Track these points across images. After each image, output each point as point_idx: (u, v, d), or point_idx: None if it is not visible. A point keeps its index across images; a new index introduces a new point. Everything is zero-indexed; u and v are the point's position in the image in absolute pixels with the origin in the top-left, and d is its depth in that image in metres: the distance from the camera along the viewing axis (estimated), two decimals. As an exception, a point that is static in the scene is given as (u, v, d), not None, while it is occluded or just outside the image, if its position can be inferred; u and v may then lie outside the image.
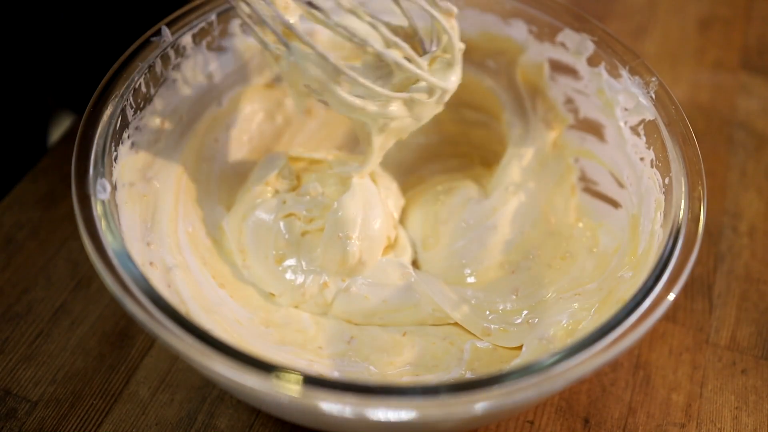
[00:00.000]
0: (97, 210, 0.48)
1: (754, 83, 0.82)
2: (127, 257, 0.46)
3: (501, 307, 0.58)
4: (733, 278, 0.65)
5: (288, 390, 0.41)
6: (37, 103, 0.80)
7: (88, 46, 0.80)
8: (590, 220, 0.62)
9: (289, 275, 0.58)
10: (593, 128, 0.63)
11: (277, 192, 0.61)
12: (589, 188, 0.64)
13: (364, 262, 0.58)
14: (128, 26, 0.64)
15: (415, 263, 0.62)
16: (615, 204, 0.61)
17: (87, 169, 0.49)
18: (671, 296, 0.46)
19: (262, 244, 0.59)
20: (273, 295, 0.58)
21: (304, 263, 0.58)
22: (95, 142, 0.51)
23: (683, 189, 0.51)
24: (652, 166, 0.56)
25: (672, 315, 0.62)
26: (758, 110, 0.79)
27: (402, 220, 0.64)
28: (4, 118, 0.76)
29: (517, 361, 0.54)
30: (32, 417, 0.54)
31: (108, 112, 0.52)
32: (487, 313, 0.58)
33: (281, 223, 0.59)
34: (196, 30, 0.59)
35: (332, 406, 0.41)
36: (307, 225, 0.59)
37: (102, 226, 0.47)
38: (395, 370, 0.54)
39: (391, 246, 0.61)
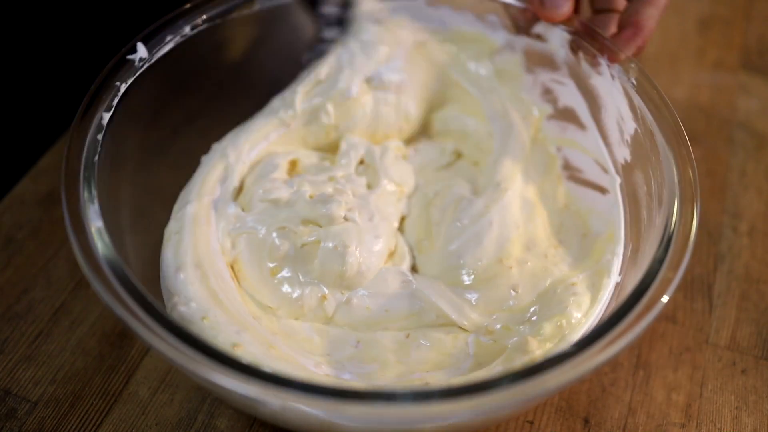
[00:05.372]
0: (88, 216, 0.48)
1: (754, 83, 0.82)
2: (117, 262, 0.46)
3: (503, 306, 0.58)
4: (733, 278, 0.65)
5: (277, 398, 0.41)
6: (38, 101, 0.80)
7: (88, 44, 0.80)
8: (579, 206, 0.63)
9: (285, 288, 0.57)
10: (572, 117, 0.64)
11: (270, 201, 0.60)
12: (574, 176, 0.64)
13: (363, 273, 0.57)
14: (128, 25, 0.64)
15: (412, 267, 0.62)
16: (602, 190, 0.62)
17: (78, 198, 0.49)
18: (665, 298, 0.46)
19: (255, 257, 0.57)
20: (271, 308, 0.57)
21: (300, 275, 0.57)
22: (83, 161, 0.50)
23: (676, 183, 0.52)
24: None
25: (672, 315, 0.62)
26: (758, 110, 0.79)
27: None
28: (5, 117, 0.76)
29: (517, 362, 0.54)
30: (32, 417, 0.54)
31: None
32: (489, 312, 0.58)
33: (275, 235, 0.58)
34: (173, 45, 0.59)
35: (320, 413, 0.41)
36: (304, 236, 0.58)
37: (93, 231, 0.47)
38: (405, 369, 0.54)
39: (390, 254, 0.60)
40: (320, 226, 0.58)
